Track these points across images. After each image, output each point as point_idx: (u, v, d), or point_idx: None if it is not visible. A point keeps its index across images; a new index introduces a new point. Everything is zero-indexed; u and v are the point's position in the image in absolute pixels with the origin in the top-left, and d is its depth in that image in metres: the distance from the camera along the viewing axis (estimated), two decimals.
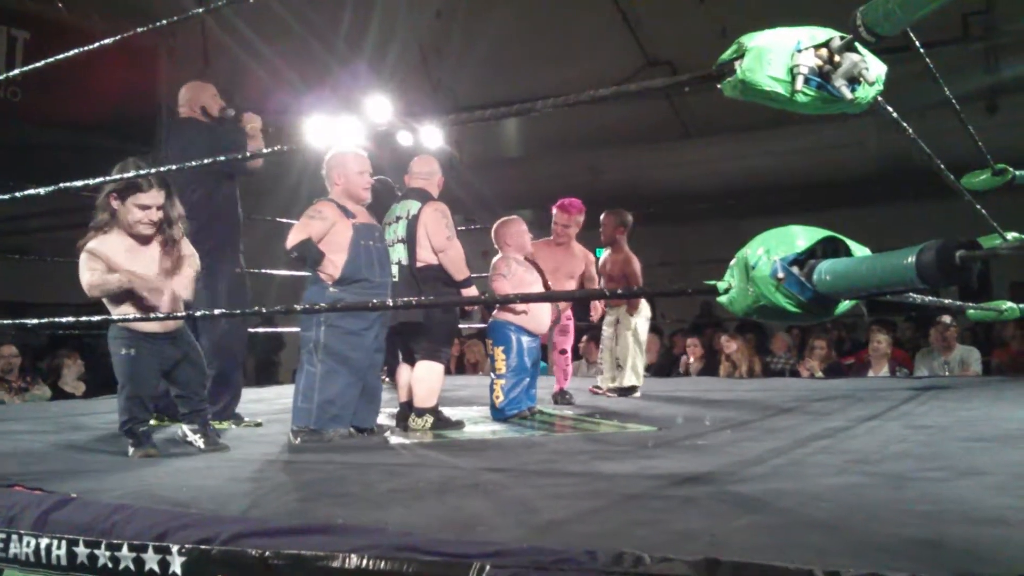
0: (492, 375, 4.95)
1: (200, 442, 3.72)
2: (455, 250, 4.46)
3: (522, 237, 5.12)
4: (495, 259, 5.10)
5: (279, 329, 10.02)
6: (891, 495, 2.40)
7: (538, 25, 11.04)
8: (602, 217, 6.35)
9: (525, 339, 4.87)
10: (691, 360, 8.64)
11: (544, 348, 5.79)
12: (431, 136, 7.90)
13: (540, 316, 4.96)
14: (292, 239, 4.08)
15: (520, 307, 4.82)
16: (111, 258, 3.58)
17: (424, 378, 4.46)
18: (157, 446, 3.65)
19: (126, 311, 3.60)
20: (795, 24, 1.96)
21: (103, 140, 9.53)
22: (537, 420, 4.79)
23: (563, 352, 5.84)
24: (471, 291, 4.46)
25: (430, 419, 4.40)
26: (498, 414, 4.80)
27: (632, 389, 6.16)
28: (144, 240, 3.68)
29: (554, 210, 5.83)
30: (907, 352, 8.13)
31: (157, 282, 3.61)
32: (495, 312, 4.96)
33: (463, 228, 8.24)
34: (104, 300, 3.64)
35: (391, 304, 3.37)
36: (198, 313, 3.43)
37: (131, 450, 3.58)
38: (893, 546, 1.84)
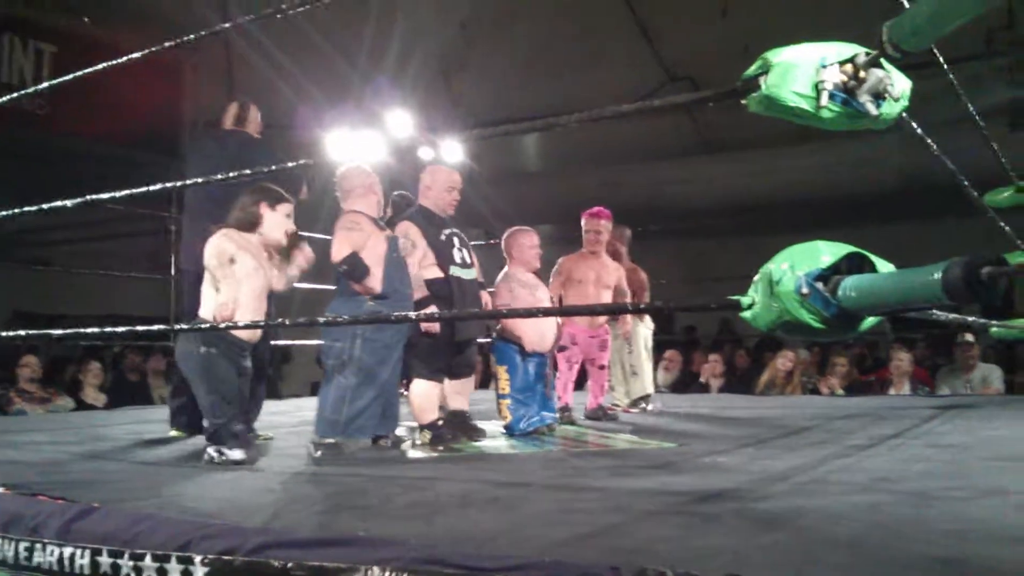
0: (496, 394, 4.92)
1: (238, 453, 3.59)
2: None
3: (527, 252, 5.03)
4: (498, 279, 5.02)
5: (290, 342, 10.00)
6: (914, 514, 2.38)
7: (558, 41, 11.08)
8: None
9: (527, 358, 4.83)
10: (711, 377, 8.60)
11: (582, 366, 5.78)
12: (451, 150, 7.93)
13: (542, 333, 4.88)
14: (339, 252, 4.09)
15: (520, 331, 4.77)
16: (239, 250, 3.73)
17: (413, 397, 4.49)
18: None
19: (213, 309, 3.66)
20: (817, 40, 1.97)
21: (127, 153, 9.63)
22: (556, 436, 4.77)
23: (602, 367, 5.81)
24: (428, 311, 4.35)
25: (427, 434, 4.41)
26: (508, 432, 4.78)
27: (647, 397, 6.19)
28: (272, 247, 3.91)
29: (584, 218, 5.81)
30: (929, 371, 8.07)
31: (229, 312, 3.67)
32: (497, 331, 4.93)
33: (482, 243, 8.25)
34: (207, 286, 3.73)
35: (410, 316, 3.37)
36: (242, 324, 3.45)
37: (236, 452, 3.53)
38: (917, 564, 1.82)
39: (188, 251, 4.78)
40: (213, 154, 4.80)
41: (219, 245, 3.71)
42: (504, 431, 4.79)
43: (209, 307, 3.69)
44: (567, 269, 5.69)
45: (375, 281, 4.13)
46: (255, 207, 3.84)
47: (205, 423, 3.69)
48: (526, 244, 5.05)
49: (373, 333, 4.09)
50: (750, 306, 2.08)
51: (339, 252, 4.09)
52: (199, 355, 3.63)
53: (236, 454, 3.53)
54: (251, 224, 3.84)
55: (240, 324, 3.55)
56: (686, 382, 8.85)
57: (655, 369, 7.20)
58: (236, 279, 3.69)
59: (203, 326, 3.64)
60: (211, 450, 3.64)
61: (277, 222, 3.90)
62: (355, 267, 4.08)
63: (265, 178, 3.91)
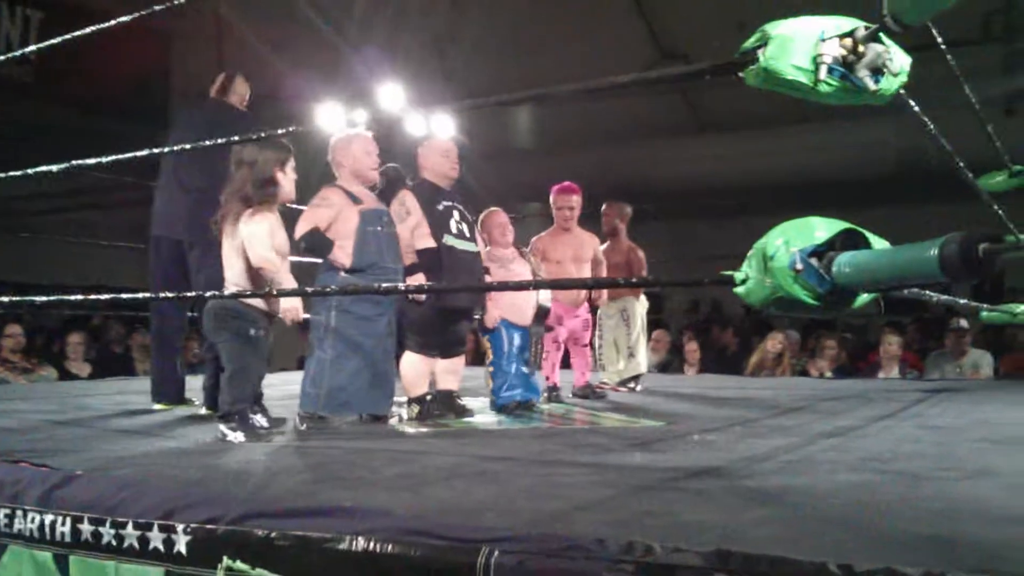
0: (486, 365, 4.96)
1: (240, 437, 3.52)
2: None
3: (495, 231, 5.05)
4: None
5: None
6: (904, 493, 2.37)
7: (552, 17, 10.98)
8: (603, 208, 6.36)
9: (510, 330, 4.84)
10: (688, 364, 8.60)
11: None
12: (443, 127, 7.86)
13: (522, 307, 4.89)
14: (299, 229, 4.08)
15: (487, 303, 4.76)
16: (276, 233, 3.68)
17: (404, 369, 4.48)
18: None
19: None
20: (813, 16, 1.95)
21: (114, 122, 9.51)
22: (544, 413, 4.77)
23: (585, 345, 5.78)
24: (415, 279, 4.31)
25: (415, 409, 4.41)
26: (492, 403, 4.80)
27: (638, 377, 6.19)
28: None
29: (553, 195, 5.77)
30: (918, 355, 8.08)
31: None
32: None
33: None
34: (241, 275, 3.65)
35: (398, 287, 3.34)
36: (208, 294, 3.41)
37: (239, 436, 3.48)
38: (906, 542, 1.82)
39: (161, 218, 4.71)
40: (190, 123, 4.79)
41: (273, 233, 3.64)
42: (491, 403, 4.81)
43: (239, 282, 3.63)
44: (541, 249, 5.64)
45: (343, 255, 4.10)
46: (273, 172, 3.69)
47: (223, 401, 3.62)
48: (493, 223, 5.08)
49: (349, 305, 4.06)
50: (743, 281, 2.06)
51: (299, 230, 4.07)
52: (250, 336, 3.58)
53: (239, 437, 3.49)
54: (274, 197, 3.72)
55: (227, 294, 3.51)
56: (676, 363, 8.84)
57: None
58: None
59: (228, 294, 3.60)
60: (223, 428, 3.56)
61: (289, 182, 3.80)
62: (313, 244, 4.08)
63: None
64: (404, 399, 4.55)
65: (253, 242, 3.58)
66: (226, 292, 3.62)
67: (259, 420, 3.67)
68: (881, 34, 1.93)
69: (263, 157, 3.68)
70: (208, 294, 3.42)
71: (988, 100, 8.77)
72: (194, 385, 4.78)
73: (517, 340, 4.84)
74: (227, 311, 3.60)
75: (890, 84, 2.01)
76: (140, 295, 3.21)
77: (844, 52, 1.93)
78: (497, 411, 4.71)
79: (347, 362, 4.06)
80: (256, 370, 3.67)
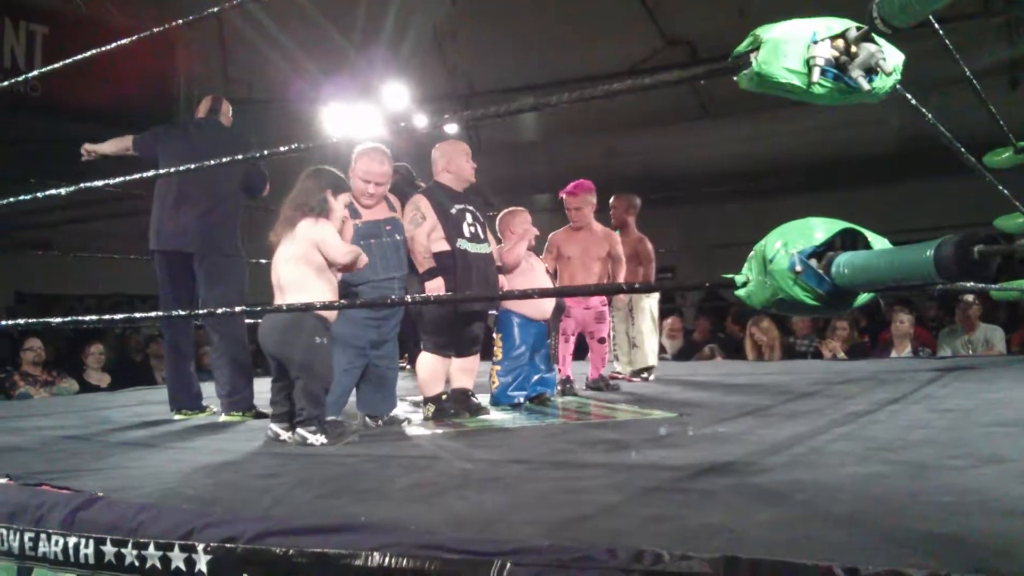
0: (491, 362, 4.99)
1: (321, 439, 3.62)
2: (414, 242, 4.41)
3: (518, 232, 5.03)
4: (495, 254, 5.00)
5: None
6: (912, 485, 2.38)
7: (554, 6, 10.95)
8: (611, 200, 6.37)
9: (524, 326, 4.87)
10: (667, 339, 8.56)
11: (581, 337, 5.78)
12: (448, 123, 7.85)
13: (540, 302, 4.91)
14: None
15: (517, 303, 4.80)
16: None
17: (419, 369, 4.56)
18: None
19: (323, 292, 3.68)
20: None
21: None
22: (558, 407, 4.79)
23: (601, 340, 5.79)
24: (434, 283, 4.36)
25: (431, 408, 4.46)
26: (492, 400, 4.83)
27: (650, 369, 6.21)
28: None
29: (563, 196, 5.80)
30: (931, 331, 8.06)
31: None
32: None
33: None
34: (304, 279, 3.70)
35: (410, 299, 3.37)
36: (220, 310, 3.45)
37: (320, 438, 3.59)
38: (914, 541, 1.83)
39: (166, 231, 4.73)
40: (195, 141, 4.86)
41: (338, 237, 3.75)
42: (491, 400, 4.84)
43: (318, 294, 3.66)
44: (555, 245, 5.74)
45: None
46: (323, 194, 3.78)
47: (300, 408, 3.68)
48: (516, 223, 5.06)
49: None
50: (744, 284, 2.09)
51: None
52: (314, 345, 3.64)
53: (319, 439, 3.60)
54: (327, 213, 3.78)
55: (256, 309, 3.57)
56: (690, 350, 8.84)
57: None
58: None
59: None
60: (302, 432, 3.65)
61: (339, 212, 3.86)
62: None
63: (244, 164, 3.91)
64: (420, 399, 4.59)
65: (329, 242, 3.70)
66: (284, 300, 3.70)
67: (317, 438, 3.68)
68: (873, 33, 1.94)
69: (315, 183, 3.80)
70: (220, 311, 3.44)
71: (992, 72, 8.74)
72: (211, 391, 4.84)
73: (530, 338, 4.87)
74: (296, 323, 3.64)
75: (884, 83, 2.03)
76: (153, 314, 3.24)
77: (836, 53, 1.95)
78: (496, 407, 4.75)
79: (351, 367, 4.14)
80: (330, 376, 3.74)
